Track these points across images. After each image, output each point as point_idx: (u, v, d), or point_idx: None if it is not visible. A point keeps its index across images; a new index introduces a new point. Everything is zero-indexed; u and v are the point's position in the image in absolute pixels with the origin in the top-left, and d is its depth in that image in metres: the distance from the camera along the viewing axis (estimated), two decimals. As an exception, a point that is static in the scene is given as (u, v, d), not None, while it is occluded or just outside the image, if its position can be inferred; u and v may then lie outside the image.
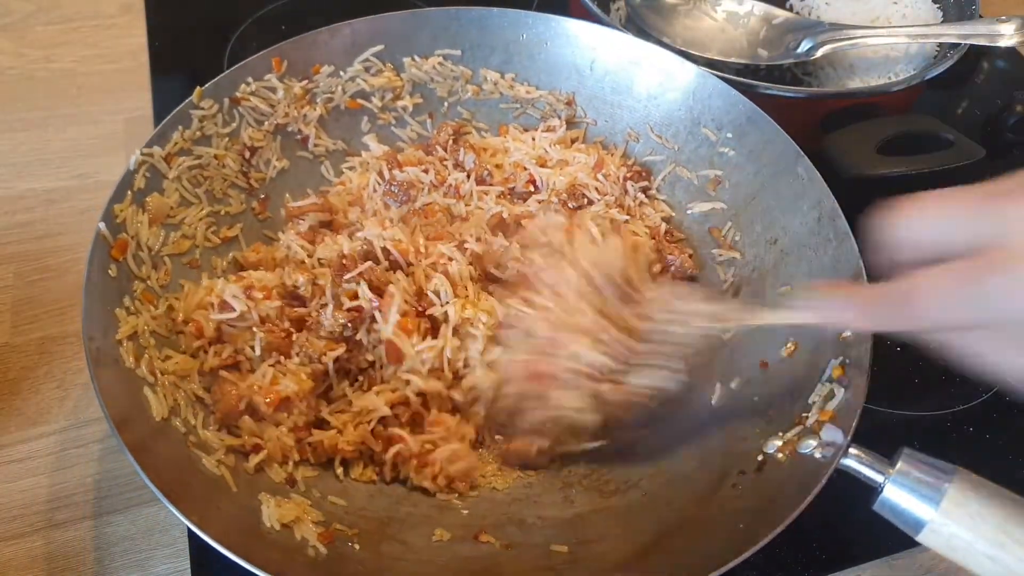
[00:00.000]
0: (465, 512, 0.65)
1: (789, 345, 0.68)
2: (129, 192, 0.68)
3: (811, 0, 1.11)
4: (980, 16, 1.00)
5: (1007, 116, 1.07)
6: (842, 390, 0.60)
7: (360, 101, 0.86)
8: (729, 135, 0.80)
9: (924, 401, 0.80)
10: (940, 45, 0.98)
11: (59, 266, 0.84)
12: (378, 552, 0.59)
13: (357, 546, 0.59)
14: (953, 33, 0.93)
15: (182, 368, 0.64)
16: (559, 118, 0.88)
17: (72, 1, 1.14)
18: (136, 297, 0.65)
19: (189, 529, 0.65)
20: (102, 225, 0.65)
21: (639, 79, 0.85)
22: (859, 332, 0.61)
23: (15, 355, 0.77)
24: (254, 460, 0.62)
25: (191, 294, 0.68)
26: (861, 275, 0.65)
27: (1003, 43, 0.91)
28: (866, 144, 0.84)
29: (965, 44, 0.92)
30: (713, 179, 0.82)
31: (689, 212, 0.84)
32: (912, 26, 0.99)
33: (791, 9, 1.10)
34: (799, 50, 0.98)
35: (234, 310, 0.65)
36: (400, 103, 0.87)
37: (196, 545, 0.65)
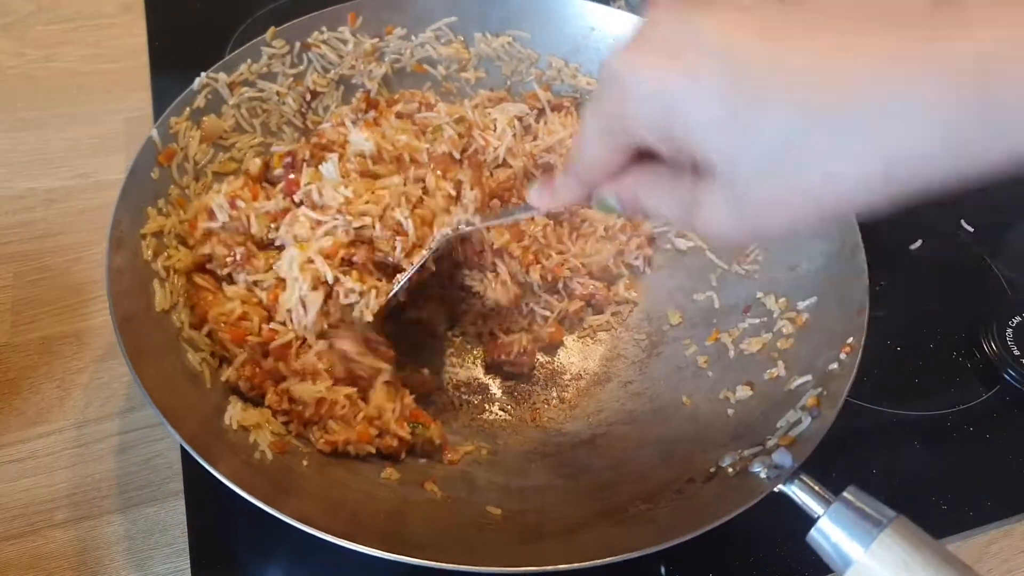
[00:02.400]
0: (423, 461, 0.68)
1: (773, 370, 0.69)
2: (188, 109, 0.71)
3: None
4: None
5: (1007, 116, 1.07)
6: (809, 419, 0.60)
7: (426, 66, 0.87)
8: None
9: (924, 401, 0.80)
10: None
11: (59, 266, 0.84)
12: (323, 473, 0.61)
13: (306, 463, 0.61)
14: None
15: (183, 263, 0.67)
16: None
17: (72, 1, 1.14)
18: (170, 200, 0.68)
19: (189, 528, 0.66)
20: (155, 132, 0.68)
21: None
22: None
23: (15, 355, 0.77)
24: (225, 372, 0.64)
25: (205, 196, 0.71)
26: (865, 309, 0.65)
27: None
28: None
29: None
30: None
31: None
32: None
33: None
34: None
35: (217, 219, 0.68)
36: (464, 75, 0.89)
37: (196, 544, 0.65)
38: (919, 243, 0.94)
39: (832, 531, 0.52)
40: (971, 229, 0.96)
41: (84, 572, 0.65)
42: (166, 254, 0.66)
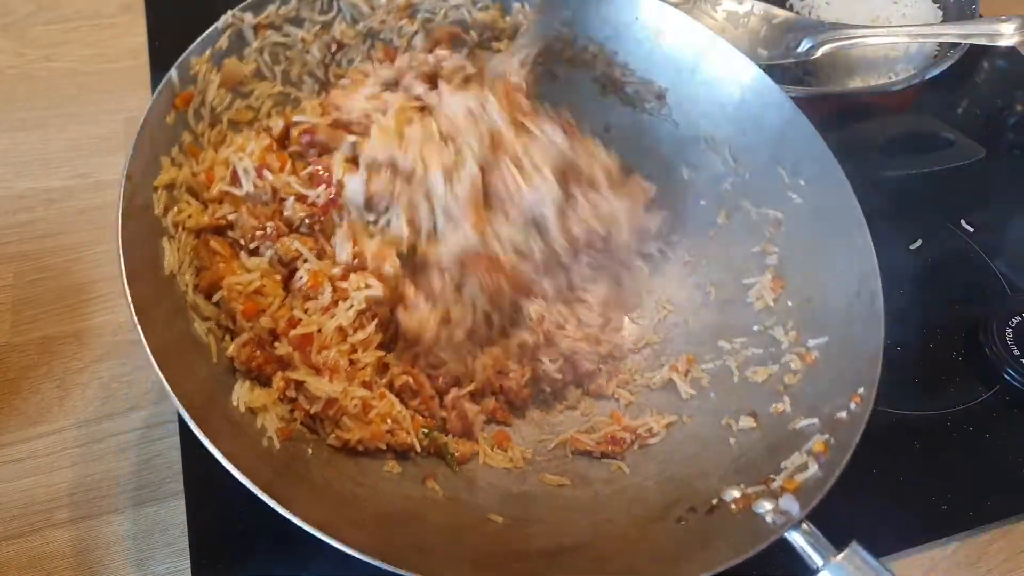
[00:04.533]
0: (424, 457, 0.67)
1: (779, 405, 0.68)
2: (209, 49, 0.68)
3: (811, 0, 1.11)
4: (980, 16, 1.00)
5: (1007, 116, 1.07)
6: (816, 467, 0.59)
7: (458, 29, 0.83)
8: (802, 182, 0.77)
9: (924, 401, 0.80)
10: (940, 45, 0.98)
11: (59, 266, 0.84)
12: (327, 462, 0.61)
13: (310, 450, 0.60)
14: (953, 33, 0.93)
15: (195, 220, 0.64)
16: None
17: (72, 1, 1.14)
18: (183, 149, 0.65)
19: (189, 528, 0.66)
20: (174, 72, 0.65)
21: (736, 98, 0.82)
22: None
23: (15, 355, 0.77)
24: (229, 347, 0.61)
25: (225, 151, 0.68)
26: (878, 360, 0.64)
27: (1003, 43, 0.91)
28: (866, 144, 0.84)
29: (965, 44, 0.92)
30: (774, 220, 0.79)
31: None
32: (912, 26, 0.99)
33: (791, 9, 1.10)
34: (799, 50, 0.98)
35: (241, 186, 0.65)
36: (496, 44, 0.84)
37: (196, 544, 0.65)
38: (919, 243, 0.94)
39: None
40: (971, 229, 0.96)
41: (84, 572, 0.65)
42: (176, 208, 0.62)
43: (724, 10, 1.03)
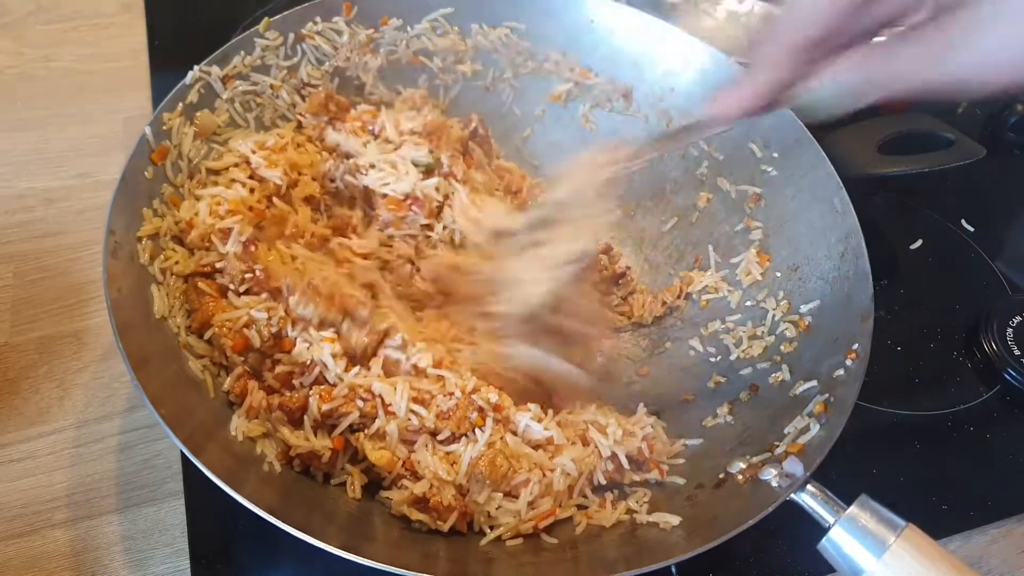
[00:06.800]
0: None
1: (778, 375, 0.69)
2: (180, 104, 0.70)
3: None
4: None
5: (1007, 116, 1.07)
6: (817, 427, 0.60)
7: (422, 58, 0.86)
8: (775, 155, 0.79)
9: (924, 401, 0.80)
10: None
11: (58, 266, 0.84)
12: (328, 486, 0.61)
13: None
14: (953, 32, 0.93)
15: (182, 266, 0.66)
16: None
17: (71, 0, 1.14)
18: (164, 200, 0.67)
19: (188, 527, 0.66)
20: (148, 129, 0.67)
21: (699, 82, 0.83)
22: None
23: (15, 355, 0.77)
24: (227, 381, 0.62)
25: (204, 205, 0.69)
26: (870, 316, 0.65)
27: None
28: (866, 143, 0.84)
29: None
30: (752, 196, 0.81)
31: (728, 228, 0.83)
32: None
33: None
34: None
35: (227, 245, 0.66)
36: (461, 67, 0.88)
37: (196, 544, 0.65)
38: (919, 243, 0.94)
39: (844, 540, 0.52)
40: (971, 229, 0.96)
41: (83, 572, 0.65)
42: (163, 256, 0.65)
43: (724, 10, 1.03)
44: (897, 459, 0.75)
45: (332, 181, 0.76)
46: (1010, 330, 0.82)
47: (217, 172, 0.72)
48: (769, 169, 0.79)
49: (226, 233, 0.67)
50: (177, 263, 0.66)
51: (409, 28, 0.84)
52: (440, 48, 0.86)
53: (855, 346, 0.64)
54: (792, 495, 0.55)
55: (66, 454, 0.71)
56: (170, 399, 0.55)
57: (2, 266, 0.84)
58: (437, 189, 0.75)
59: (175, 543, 0.66)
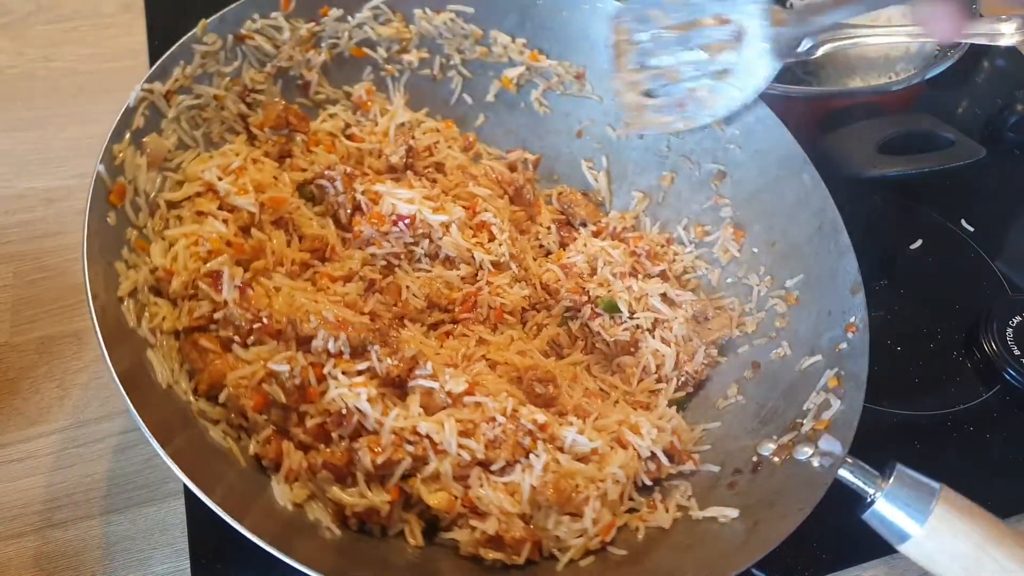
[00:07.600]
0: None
1: (778, 350, 0.69)
2: (128, 132, 0.65)
3: (811, 0, 1.10)
4: (980, 15, 1.00)
5: (1007, 116, 1.07)
6: (838, 401, 0.61)
7: (365, 50, 0.83)
8: (736, 132, 0.80)
9: (924, 401, 0.80)
10: (940, 44, 0.98)
11: (58, 265, 0.84)
12: (387, 539, 0.60)
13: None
14: (953, 32, 0.93)
15: (169, 322, 0.61)
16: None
17: (71, 0, 1.14)
18: (132, 247, 0.63)
19: (188, 527, 0.66)
20: (101, 167, 0.62)
21: None
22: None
23: (15, 355, 0.77)
24: (254, 445, 0.59)
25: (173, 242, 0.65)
26: (860, 288, 0.66)
27: (1003, 42, 0.90)
28: (866, 144, 0.84)
29: (965, 43, 0.92)
30: (717, 173, 0.81)
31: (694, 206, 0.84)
32: (912, 25, 0.99)
33: (791, 8, 1.10)
34: (799, 49, 0.97)
35: (222, 293, 0.62)
36: (406, 57, 0.84)
37: (196, 544, 0.65)
38: (919, 243, 0.94)
39: (889, 511, 0.56)
40: (971, 229, 0.96)
41: (84, 572, 0.65)
42: (147, 314, 0.60)
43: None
44: (897, 459, 0.75)
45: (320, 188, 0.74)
46: (1010, 330, 0.82)
47: (178, 204, 0.67)
48: (731, 147, 0.80)
49: (214, 277, 0.62)
50: (164, 319, 0.61)
51: (350, 18, 0.80)
52: (383, 37, 0.82)
53: (852, 319, 0.65)
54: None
55: (66, 454, 0.71)
56: (197, 469, 0.51)
57: (2, 266, 0.84)
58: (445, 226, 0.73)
59: (175, 543, 0.66)
